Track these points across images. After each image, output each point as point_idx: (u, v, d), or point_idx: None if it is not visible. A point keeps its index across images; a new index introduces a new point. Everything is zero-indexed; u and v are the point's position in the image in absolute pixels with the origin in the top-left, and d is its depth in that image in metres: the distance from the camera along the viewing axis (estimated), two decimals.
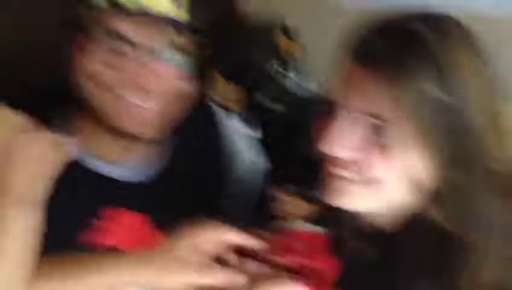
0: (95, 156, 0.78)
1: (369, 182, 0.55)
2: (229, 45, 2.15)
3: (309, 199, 0.63)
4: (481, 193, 0.54)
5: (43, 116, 0.68)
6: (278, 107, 2.00)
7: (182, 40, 0.73)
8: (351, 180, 0.55)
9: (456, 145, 0.53)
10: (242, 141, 0.96)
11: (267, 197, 0.64)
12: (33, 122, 0.59)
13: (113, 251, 0.73)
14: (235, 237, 0.61)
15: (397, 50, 0.52)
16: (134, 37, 0.69)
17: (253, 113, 1.89)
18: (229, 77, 1.95)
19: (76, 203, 0.74)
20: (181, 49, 0.73)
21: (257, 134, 1.99)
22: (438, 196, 0.55)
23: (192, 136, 0.87)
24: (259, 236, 0.62)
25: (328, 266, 0.59)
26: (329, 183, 0.57)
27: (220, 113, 0.95)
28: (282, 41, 2.13)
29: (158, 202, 0.80)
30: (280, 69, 2.05)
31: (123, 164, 0.79)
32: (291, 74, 2.16)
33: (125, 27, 0.69)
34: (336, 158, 0.55)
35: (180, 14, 0.71)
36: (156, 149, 0.82)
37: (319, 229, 0.62)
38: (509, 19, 1.69)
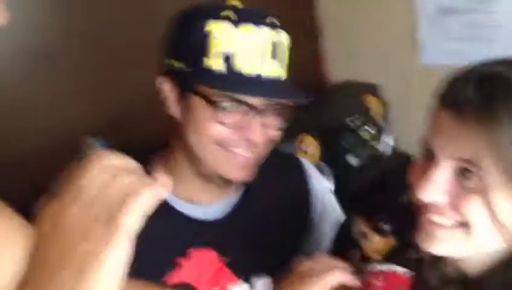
0: (183, 199, 0.84)
1: (461, 226, 0.54)
2: (320, 108, 2.21)
3: (396, 238, 0.63)
4: None
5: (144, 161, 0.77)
6: (361, 163, 2.00)
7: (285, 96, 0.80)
8: (444, 226, 0.55)
9: None
10: (325, 193, 0.99)
11: (353, 233, 0.65)
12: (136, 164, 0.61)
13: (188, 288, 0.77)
14: (346, 279, 0.62)
15: (486, 95, 0.51)
16: (258, 101, 0.77)
17: (334, 169, 1.91)
18: (320, 138, 1.99)
19: (162, 244, 0.79)
20: (284, 104, 0.80)
21: (332, 186, 1.99)
22: None
23: (276, 179, 0.91)
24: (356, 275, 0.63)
25: None
26: (423, 228, 0.57)
27: (308, 164, 0.99)
28: (371, 101, 2.16)
29: (235, 239, 0.84)
30: (371, 130, 2.06)
31: (207, 204, 0.85)
32: (382, 136, 2.16)
33: (245, 97, 0.76)
34: (429, 204, 0.55)
35: (283, 74, 0.79)
36: (236, 187, 0.87)
37: (401, 270, 0.62)
38: None
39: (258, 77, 0.76)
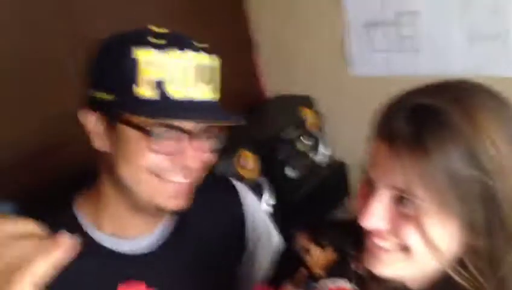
0: (111, 235, 0.80)
1: (402, 249, 0.57)
2: (256, 122, 2.22)
3: (337, 251, 0.63)
4: (508, 257, 0.55)
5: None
6: (298, 175, 2.03)
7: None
8: (387, 250, 0.58)
9: (485, 216, 0.53)
10: (260, 219, 0.98)
11: (296, 250, 0.65)
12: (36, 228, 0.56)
13: None
14: None
15: (416, 129, 0.53)
16: (192, 126, 0.75)
17: (270, 181, 1.93)
18: (258, 153, 1.99)
19: (90, 283, 0.76)
20: (217, 126, 0.78)
21: (272, 200, 2.03)
22: (463, 262, 0.57)
23: (210, 204, 0.89)
24: None
25: None
26: (369, 252, 0.60)
27: (242, 187, 0.98)
28: (306, 113, 2.19)
29: (165, 271, 0.81)
30: (307, 142, 2.09)
31: (137, 237, 0.82)
32: (319, 147, 2.20)
33: (182, 123, 0.74)
34: (372, 230, 0.58)
35: (216, 96, 0.78)
36: (169, 217, 0.85)
37: (345, 284, 0.62)
38: None
39: (190, 101, 0.75)
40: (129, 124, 0.74)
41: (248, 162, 1.91)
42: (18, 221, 0.49)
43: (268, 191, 1.98)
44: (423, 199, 0.53)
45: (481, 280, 0.55)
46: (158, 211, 0.79)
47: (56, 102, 1.33)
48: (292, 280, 0.67)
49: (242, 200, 0.95)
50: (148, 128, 0.73)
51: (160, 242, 0.83)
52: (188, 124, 0.75)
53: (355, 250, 0.63)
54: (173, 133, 0.74)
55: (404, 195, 0.55)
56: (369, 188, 0.58)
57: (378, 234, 0.58)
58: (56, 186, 1.11)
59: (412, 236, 0.55)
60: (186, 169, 0.76)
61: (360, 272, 0.62)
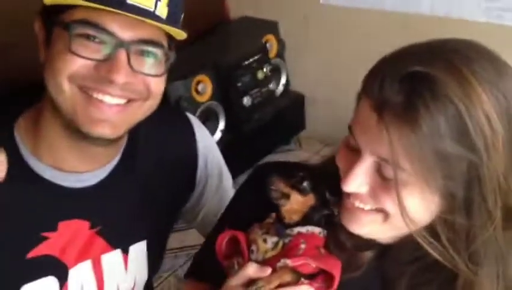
0: (52, 166, 0.74)
1: (380, 212, 0.58)
2: (218, 46, 2.13)
3: (316, 195, 0.65)
4: (484, 233, 0.55)
5: None
6: (254, 103, 1.98)
7: (160, 36, 0.69)
8: (365, 211, 0.59)
9: (468, 194, 0.53)
10: (214, 153, 0.94)
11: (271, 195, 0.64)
12: None
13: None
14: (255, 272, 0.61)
15: (410, 99, 0.51)
16: (113, 28, 0.65)
17: (225, 108, 1.90)
18: (216, 78, 1.93)
19: (25, 217, 0.71)
20: (157, 45, 0.69)
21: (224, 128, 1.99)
22: (436, 233, 0.57)
23: (162, 138, 0.84)
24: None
25: (337, 268, 0.61)
26: (347, 211, 0.61)
27: (196, 122, 0.91)
28: (270, 40, 2.12)
29: (109, 206, 0.77)
30: (267, 70, 2.03)
31: (81, 172, 0.76)
32: (276, 75, 2.15)
33: (104, 19, 0.64)
34: (351, 193, 0.59)
35: (161, 11, 0.68)
36: (112, 152, 0.78)
37: (318, 229, 0.64)
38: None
39: (126, 2, 0.63)
40: (55, 24, 0.65)
41: (204, 87, 1.85)
42: None
43: (222, 118, 1.94)
44: (407, 171, 0.53)
45: (452, 252, 0.56)
46: (80, 136, 0.71)
47: None
48: (260, 224, 0.66)
49: (196, 137, 0.89)
50: (68, 22, 0.64)
51: (104, 177, 0.78)
52: (122, 31, 0.65)
53: (334, 195, 0.63)
54: (100, 34, 0.65)
55: (389, 164, 0.54)
56: (352, 151, 0.58)
57: (358, 196, 0.59)
58: None
59: (390, 203, 0.56)
60: (114, 85, 0.65)
61: (335, 219, 0.63)
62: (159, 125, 0.82)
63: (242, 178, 0.80)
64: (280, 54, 2.15)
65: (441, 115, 0.51)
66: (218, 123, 1.92)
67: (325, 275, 0.61)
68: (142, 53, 0.67)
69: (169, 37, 0.70)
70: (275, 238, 0.64)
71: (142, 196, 0.81)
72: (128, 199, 0.80)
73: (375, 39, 2.11)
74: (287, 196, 0.64)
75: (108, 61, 0.65)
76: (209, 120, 1.85)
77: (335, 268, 0.61)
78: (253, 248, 0.64)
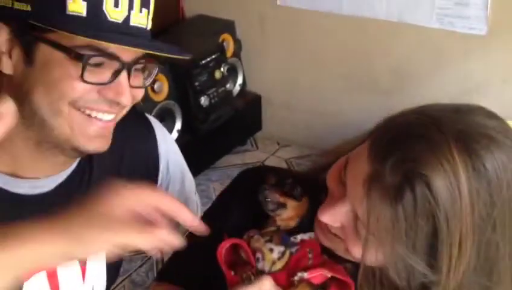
0: (6, 173, 0.70)
1: (343, 241, 0.62)
2: (172, 43, 2.09)
3: (310, 198, 0.66)
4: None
5: None
6: (211, 103, 1.96)
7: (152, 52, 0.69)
8: (330, 231, 0.62)
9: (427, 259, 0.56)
10: (176, 156, 0.92)
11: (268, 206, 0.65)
12: None
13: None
14: (168, 203, 0.57)
15: (402, 185, 0.53)
16: (117, 52, 0.63)
17: (181, 108, 1.87)
18: (173, 78, 1.89)
19: None
20: (152, 58, 0.68)
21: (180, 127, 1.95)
22: (374, 273, 0.60)
23: (122, 142, 0.81)
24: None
25: (344, 274, 0.63)
26: (317, 225, 0.63)
27: (158, 125, 0.90)
28: (226, 39, 2.11)
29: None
30: (224, 70, 2.02)
31: (38, 177, 0.72)
32: (233, 75, 2.14)
33: (107, 43, 0.63)
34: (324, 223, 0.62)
35: (149, 25, 0.68)
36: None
37: (311, 236, 0.65)
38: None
39: (126, 23, 0.64)
40: (52, 43, 0.62)
41: (160, 86, 1.82)
42: None
43: (179, 118, 1.91)
44: (374, 234, 0.56)
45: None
46: (73, 152, 0.68)
47: None
48: (262, 232, 0.66)
49: (158, 141, 0.87)
50: (81, 52, 0.62)
51: (61, 182, 0.74)
52: (124, 52, 0.64)
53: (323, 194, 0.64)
54: (106, 60, 0.63)
55: (358, 217, 0.58)
56: (341, 185, 0.60)
57: (329, 226, 0.62)
58: None
59: (355, 249, 0.60)
60: (115, 105, 0.66)
61: None
62: (117, 126, 0.80)
63: (199, 179, 0.78)
64: (237, 54, 2.14)
65: (425, 210, 0.54)
66: (174, 123, 1.89)
67: (337, 283, 0.62)
68: (139, 69, 0.68)
69: None
70: (281, 248, 0.64)
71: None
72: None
73: (332, 41, 2.16)
74: (283, 205, 0.65)
75: (112, 84, 0.65)
76: (165, 120, 1.82)
77: (346, 275, 0.62)
78: (259, 255, 0.65)
